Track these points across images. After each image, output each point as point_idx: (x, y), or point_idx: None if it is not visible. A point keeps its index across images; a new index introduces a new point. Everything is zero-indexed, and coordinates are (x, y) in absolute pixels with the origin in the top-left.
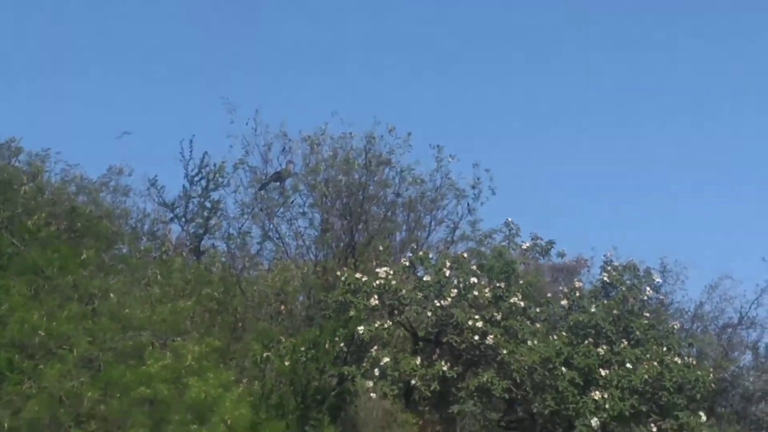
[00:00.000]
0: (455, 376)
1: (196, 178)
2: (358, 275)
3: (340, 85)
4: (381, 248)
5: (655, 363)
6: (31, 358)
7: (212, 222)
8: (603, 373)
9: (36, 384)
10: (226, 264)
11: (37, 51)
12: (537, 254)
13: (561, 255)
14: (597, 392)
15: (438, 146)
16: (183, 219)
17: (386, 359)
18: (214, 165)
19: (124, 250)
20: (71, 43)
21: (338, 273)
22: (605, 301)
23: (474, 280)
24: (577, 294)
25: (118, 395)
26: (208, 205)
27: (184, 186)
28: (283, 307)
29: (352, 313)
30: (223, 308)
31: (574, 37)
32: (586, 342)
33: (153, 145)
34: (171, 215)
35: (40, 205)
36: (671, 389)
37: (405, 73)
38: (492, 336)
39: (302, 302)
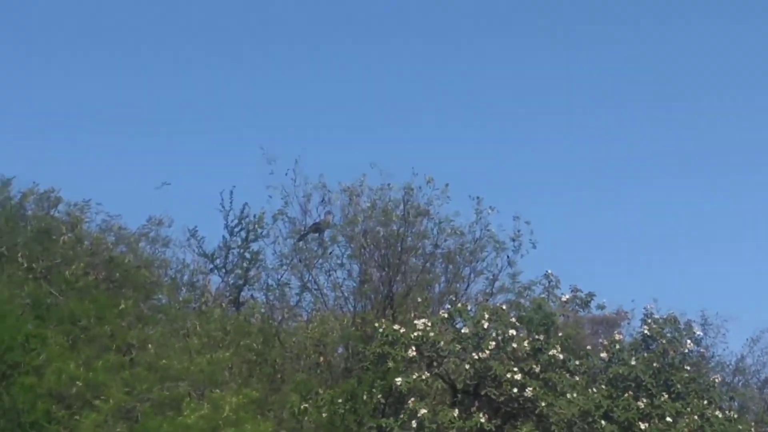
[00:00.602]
0: (493, 429)
1: (236, 229)
2: (396, 327)
3: (379, 135)
4: (419, 300)
5: (696, 417)
6: (68, 409)
7: (251, 273)
8: (643, 426)
9: None
10: (265, 315)
11: (78, 104)
12: (577, 306)
13: (601, 307)
14: None
15: (477, 198)
16: (222, 270)
17: (424, 411)
18: (254, 216)
19: (163, 301)
20: (112, 96)
21: (376, 324)
22: (645, 354)
23: (513, 332)
24: (617, 346)
25: None
26: (247, 256)
27: (223, 237)
28: (321, 358)
29: (390, 364)
30: (261, 359)
31: (608, 91)
32: (626, 395)
33: (193, 195)
34: (210, 266)
35: (79, 255)
36: None
37: (444, 124)
38: (531, 388)
39: (341, 354)
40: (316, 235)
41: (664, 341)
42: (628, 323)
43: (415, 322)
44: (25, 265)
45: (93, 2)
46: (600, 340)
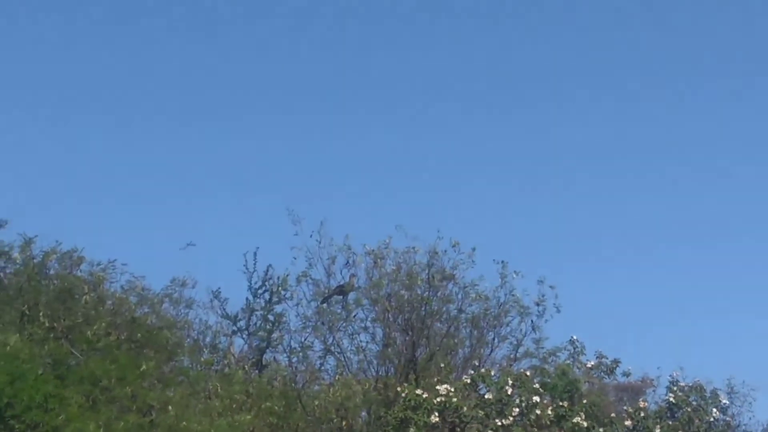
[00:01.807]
0: None
1: (260, 291)
2: (418, 391)
3: (404, 198)
4: (442, 364)
5: None
6: None
7: (275, 335)
8: None
9: None
10: (287, 378)
11: (102, 164)
12: (602, 373)
13: (626, 374)
14: None
15: (502, 262)
16: (245, 332)
17: None
18: (278, 278)
19: (185, 362)
20: (136, 157)
21: (399, 389)
22: (670, 422)
23: (536, 398)
24: (642, 414)
25: None
26: (270, 318)
27: (247, 298)
28: (344, 422)
29: (411, 430)
30: (283, 423)
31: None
32: None
33: (218, 256)
34: (233, 328)
35: (101, 314)
36: None
37: (469, 187)
38: None
39: (363, 418)
40: (340, 297)
41: (689, 409)
42: (654, 391)
43: (438, 387)
44: (47, 324)
45: (109, 65)
46: (625, 408)
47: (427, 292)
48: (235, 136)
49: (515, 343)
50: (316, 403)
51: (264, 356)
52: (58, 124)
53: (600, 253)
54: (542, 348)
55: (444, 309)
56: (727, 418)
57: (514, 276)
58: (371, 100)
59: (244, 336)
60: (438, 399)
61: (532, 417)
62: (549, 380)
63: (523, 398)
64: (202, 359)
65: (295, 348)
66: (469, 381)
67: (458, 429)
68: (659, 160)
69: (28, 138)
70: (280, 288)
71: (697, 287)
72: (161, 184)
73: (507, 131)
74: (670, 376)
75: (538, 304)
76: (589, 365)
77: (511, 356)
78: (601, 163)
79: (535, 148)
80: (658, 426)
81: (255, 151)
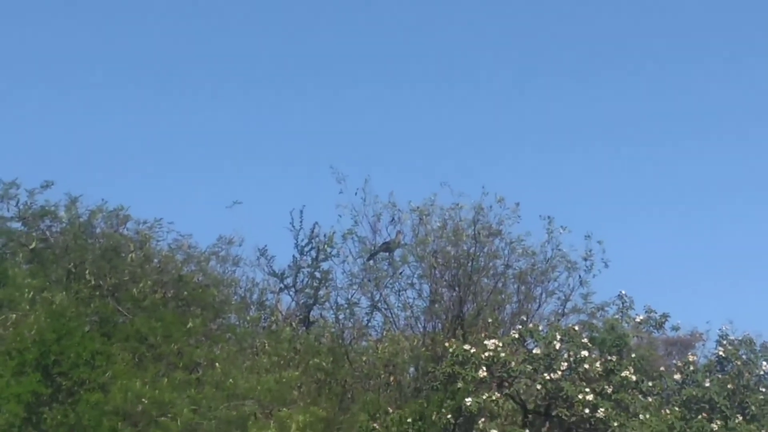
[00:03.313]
0: None
1: (306, 249)
2: (466, 347)
3: (450, 155)
4: (490, 320)
5: None
6: (134, 426)
7: (321, 292)
8: None
9: None
10: (334, 334)
11: (150, 126)
12: (651, 327)
13: (675, 329)
14: None
15: (549, 217)
16: (292, 289)
17: (494, 431)
18: (324, 235)
19: (232, 319)
20: (183, 119)
21: (446, 344)
22: (720, 376)
23: (585, 353)
24: (691, 368)
25: None
26: (317, 275)
27: (293, 256)
28: (391, 378)
29: (459, 384)
30: (331, 379)
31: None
32: (700, 417)
33: (264, 215)
34: (280, 285)
35: (147, 273)
36: None
37: (515, 143)
38: (603, 409)
39: (411, 374)
40: (386, 254)
41: (739, 363)
42: (703, 345)
43: (486, 342)
44: (93, 282)
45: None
46: (674, 362)
47: (473, 248)
48: (278, 93)
49: (563, 298)
50: (364, 359)
51: (311, 313)
52: (105, 87)
53: (649, 208)
54: (590, 303)
55: (491, 264)
56: None
57: (561, 231)
58: (414, 57)
59: (291, 293)
60: (486, 354)
61: (581, 371)
62: (597, 335)
63: (571, 353)
64: (249, 316)
65: (342, 305)
66: (517, 336)
67: (506, 384)
68: (709, 117)
69: (74, 101)
70: (326, 245)
71: (747, 241)
72: (209, 145)
73: (550, 87)
74: (719, 329)
75: (585, 259)
76: (637, 320)
77: (559, 311)
78: (647, 117)
79: (578, 105)
80: (708, 379)
81: (300, 109)
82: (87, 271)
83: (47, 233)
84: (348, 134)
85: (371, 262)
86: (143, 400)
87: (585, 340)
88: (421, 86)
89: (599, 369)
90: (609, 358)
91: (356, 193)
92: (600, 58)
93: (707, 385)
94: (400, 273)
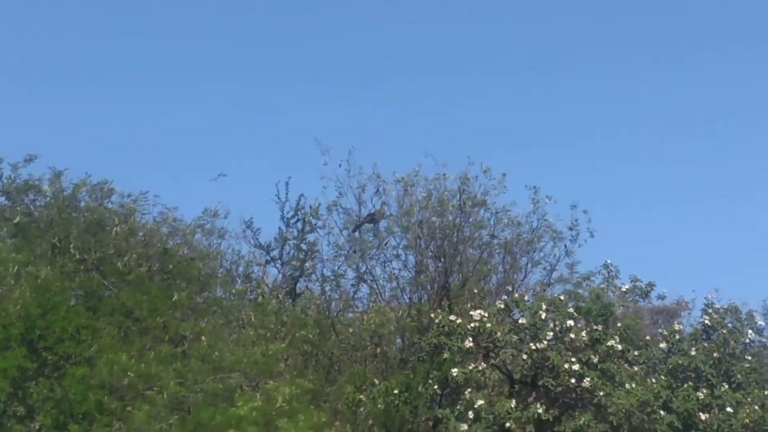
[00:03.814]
0: (551, 419)
1: (292, 221)
2: (452, 317)
3: (434, 125)
4: (476, 291)
5: (756, 407)
6: (121, 400)
7: (307, 264)
8: (703, 417)
9: (125, 426)
10: (321, 306)
11: (134, 97)
12: (636, 297)
13: (661, 297)
14: None
15: (534, 187)
16: (279, 261)
17: (480, 402)
18: (310, 207)
19: (218, 292)
20: (169, 91)
21: (432, 315)
22: (705, 344)
23: (571, 322)
24: (677, 337)
25: None
26: (303, 247)
27: (279, 228)
28: (378, 349)
29: (446, 355)
30: (317, 351)
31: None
32: (686, 386)
33: (249, 187)
34: (267, 257)
35: (132, 246)
36: None
37: (501, 114)
38: (589, 379)
39: (397, 344)
40: (372, 225)
41: (724, 331)
42: (689, 313)
43: (472, 312)
44: (78, 256)
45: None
46: (660, 331)
47: (458, 219)
48: (264, 66)
49: (549, 268)
50: (350, 330)
51: (297, 285)
52: (89, 61)
53: (634, 178)
54: (576, 273)
55: (476, 235)
56: (764, 339)
57: (547, 201)
58: (400, 26)
59: (277, 265)
60: (472, 324)
61: (567, 341)
62: (583, 304)
63: (557, 322)
64: (235, 289)
65: (328, 276)
66: (502, 306)
67: (492, 354)
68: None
69: (62, 73)
70: (311, 217)
71: (732, 210)
72: (194, 118)
73: (541, 59)
74: (705, 298)
75: (571, 229)
76: (623, 289)
77: (545, 281)
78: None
79: (567, 78)
80: (694, 348)
81: (284, 79)
82: (72, 245)
83: (31, 207)
84: (333, 106)
85: (357, 233)
86: (129, 373)
87: (571, 310)
88: (407, 60)
89: (585, 338)
90: (595, 327)
91: (341, 165)
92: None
93: (693, 353)
94: (386, 244)
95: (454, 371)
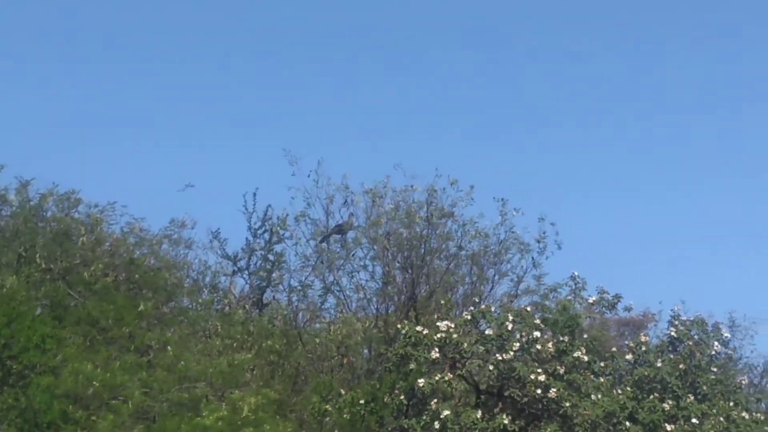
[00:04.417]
0: (517, 430)
1: (259, 231)
2: (419, 328)
3: (403, 138)
4: (443, 302)
5: (722, 418)
6: (86, 409)
7: (275, 275)
8: (668, 428)
9: None
10: (287, 317)
11: (101, 107)
12: (603, 308)
13: (628, 309)
14: None
15: (502, 199)
16: (246, 271)
17: (447, 412)
18: (277, 218)
19: (185, 302)
20: (135, 99)
21: (399, 326)
22: (671, 356)
23: (537, 334)
24: (643, 348)
25: None
26: (270, 257)
27: (247, 239)
28: (344, 360)
29: (412, 366)
30: (284, 360)
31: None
32: (652, 397)
33: (216, 198)
34: (234, 268)
35: (98, 256)
36: None
37: (468, 126)
38: (555, 390)
39: (364, 355)
40: (339, 236)
41: (690, 343)
42: (655, 325)
43: (438, 323)
44: (44, 265)
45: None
46: (626, 342)
47: (426, 230)
48: (233, 79)
49: (516, 279)
50: (317, 341)
51: (264, 295)
52: (54, 67)
53: (602, 191)
54: (543, 284)
55: (443, 246)
56: (729, 351)
57: (514, 213)
58: (368, 37)
59: (244, 276)
60: (438, 335)
61: (533, 352)
62: (550, 316)
63: (523, 334)
64: (202, 299)
65: (295, 287)
66: (469, 317)
67: (459, 365)
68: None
69: (24, 82)
70: (279, 228)
71: (699, 222)
72: (160, 127)
73: (505, 69)
74: (671, 310)
75: (538, 241)
76: (590, 301)
77: (512, 293)
78: (601, 103)
79: (535, 87)
80: (660, 360)
81: (253, 93)
82: (38, 255)
83: None
84: (301, 116)
85: (324, 244)
86: (94, 383)
87: (537, 321)
88: (376, 68)
89: (551, 350)
90: (561, 338)
91: (309, 176)
92: (548, 39)
93: (659, 365)
94: (353, 255)
95: (421, 382)
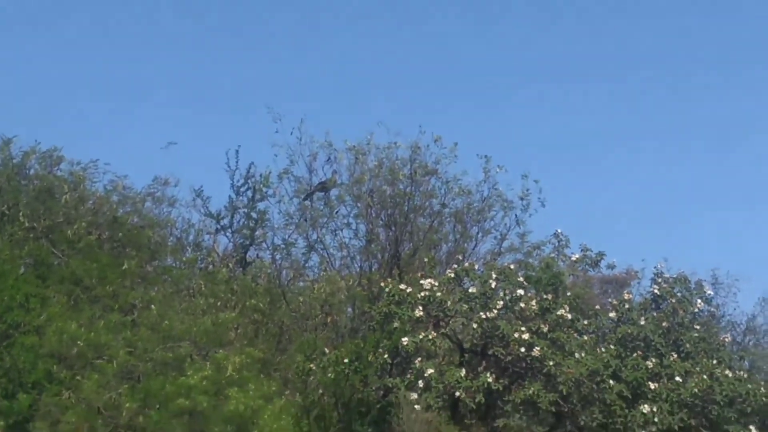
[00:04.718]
0: (501, 388)
1: (242, 189)
2: (402, 286)
3: (386, 94)
4: (426, 259)
5: (705, 376)
6: (70, 369)
7: (258, 233)
8: (652, 386)
9: (74, 395)
10: (271, 275)
11: (84, 67)
12: (586, 266)
13: (611, 267)
14: (646, 406)
15: (486, 156)
16: (229, 230)
17: (430, 371)
18: (260, 176)
19: (168, 261)
20: (117, 58)
21: (383, 284)
22: (655, 314)
23: (521, 292)
24: (627, 306)
25: (157, 406)
26: (254, 215)
27: (230, 196)
28: (328, 318)
29: (396, 324)
30: (268, 319)
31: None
32: (635, 355)
33: (199, 155)
34: (217, 226)
35: (82, 214)
36: (721, 403)
37: (452, 83)
38: (538, 348)
39: (348, 313)
40: (323, 194)
41: (674, 301)
42: (638, 283)
43: (422, 281)
44: (27, 224)
45: None
46: (609, 300)
47: (409, 188)
48: (214, 34)
49: (499, 237)
50: (301, 299)
51: (248, 254)
52: (38, 24)
53: (584, 147)
54: (526, 242)
55: (427, 204)
56: (712, 309)
57: (498, 170)
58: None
59: (227, 234)
60: (422, 293)
61: (517, 310)
62: (533, 273)
63: (507, 291)
64: (185, 258)
65: (278, 245)
66: (453, 275)
67: (442, 323)
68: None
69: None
70: (262, 185)
71: (682, 181)
72: (144, 86)
73: (489, 29)
74: (654, 268)
75: (522, 199)
76: (573, 258)
77: (495, 251)
78: (590, 59)
79: (518, 47)
80: (643, 318)
81: (235, 48)
82: (21, 213)
83: None
84: (285, 71)
85: (307, 202)
86: (78, 342)
87: (521, 279)
88: (362, 24)
89: (535, 308)
90: (545, 296)
91: (292, 133)
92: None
93: (642, 323)
94: (337, 213)
95: (405, 340)
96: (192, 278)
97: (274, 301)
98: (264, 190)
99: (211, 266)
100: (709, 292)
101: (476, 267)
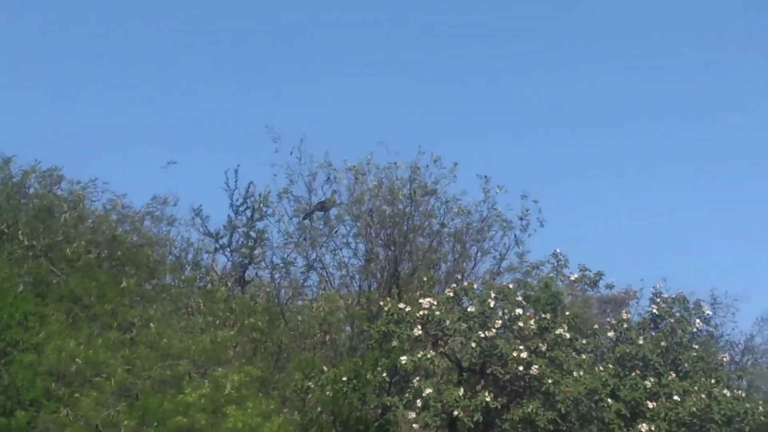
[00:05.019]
0: (499, 407)
1: (242, 208)
2: (401, 305)
3: (386, 115)
4: (425, 279)
5: (703, 395)
6: (68, 387)
7: (257, 252)
8: (650, 405)
9: (73, 412)
10: (270, 294)
11: (88, 83)
12: (585, 286)
13: (610, 286)
14: (644, 425)
15: (485, 177)
16: (228, 248)
17: (429, 390)
18: (259, 195)
19: (167, 279)
20: (120, 78)
21: (382, 303)
22: (653, 333)
23: (519, 311)
24: (625, 326)
25: (155, 424)
26: (253, 234)
27: (229, 216)
28: (327, 337)
29: (394, 343)
30: (266, 338)
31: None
32: (634, 374)
33: (199, 174)
34: (216, 245)
35: (81, 233)
36: (720, 422)
37: (453, 104)
38: (537, 367)
39: (346, 332)
40: (322, 213)
41: (672, 320)
42: (637, 303)
43: (421, 301)
44: (26, 242)
45: None
46: (608, 320)
47: (409, 207)
48: (217, 53)
49: (498, 257)
50: (300, 318)
51: (246, 273)
52: (39, 49)
53: (584, 168)
54: (525, 262)
55: (426, 224)
56: (710, 329)
57: (497, 191)
58: (358, 18)
59: (226, 253)
60: (421, 312)
61: (515, 329)
62: (532, 293)
63: (506, 311)
64: (184, 276)
65: (277, 264)
66: (452, 294)
67: (441, 342)
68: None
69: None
70: (261, 205)
71: (681, 202)
72: (145, 106)
73: (491, 49)
74: (653, 288)
75: (521, 219)
76: (572, 278)
77: (494, 270)
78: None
79: (516, 66)
80: (642, 337)
81: (235, 66)
82: (20, 232)
83: None
84: (285, 90)
85: (307, 221)
86: (77, 360)
87: (519, 298)
88: (361, 47)
89: (534, 327)
90: (543, 316)
91: (291, 153)
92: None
93: (641, 342)
94: (336, 232)
95: (403, 359)
96: (191, 297)
97: (272, 319)
98: (263, 209)
99: (209, 285)
100: (707, 311)
101: (475, 286)
